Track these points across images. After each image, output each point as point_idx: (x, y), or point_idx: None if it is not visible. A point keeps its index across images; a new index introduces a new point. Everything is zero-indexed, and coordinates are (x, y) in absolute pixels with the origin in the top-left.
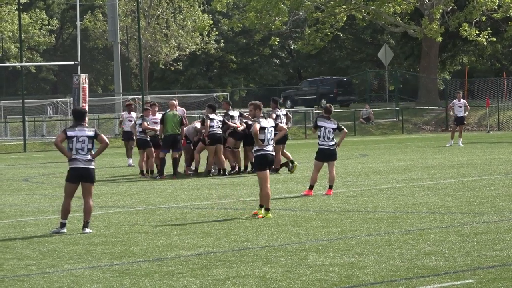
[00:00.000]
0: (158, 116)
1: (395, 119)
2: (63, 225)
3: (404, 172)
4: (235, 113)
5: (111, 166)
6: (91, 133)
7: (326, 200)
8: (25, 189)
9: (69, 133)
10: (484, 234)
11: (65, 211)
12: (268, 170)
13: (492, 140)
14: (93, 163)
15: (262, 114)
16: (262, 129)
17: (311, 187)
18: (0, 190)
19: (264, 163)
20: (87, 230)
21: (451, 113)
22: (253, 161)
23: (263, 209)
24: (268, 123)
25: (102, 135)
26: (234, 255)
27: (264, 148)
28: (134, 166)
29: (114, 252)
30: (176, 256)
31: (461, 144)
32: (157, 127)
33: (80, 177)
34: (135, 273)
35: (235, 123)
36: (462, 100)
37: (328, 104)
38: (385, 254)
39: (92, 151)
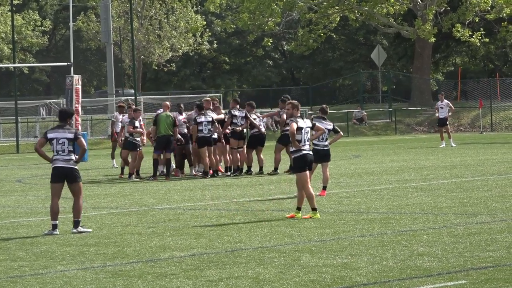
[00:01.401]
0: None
1: (388, 120)
2: (54, 227)
3: (397, 173)
4: (239, 113)
5: (104, 167)
6: (71, 135)
7: (319, 201)
8: (18, 190)
9: (49, 135)
10: (477, 235)
11: (53, 212)
12: (308, 171)
13: (485, 141)
14: (73, 162)
15: (299, 114)
16: (299, 129)
17: None
18: None
19: (303, 164)
20: (80, 229)
21: (436, 114)
22: (292, 163)
23: (311, 210)
24: (305, 123)
25: (82, 139)
26: (227, 256)
27: (302, 149)
28: (117, 167)
29: (107, 253)
30: (169, 257)
31: (453, 145)
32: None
33: (64, 177)
34: (128, 274)
35: (236, 123)
36: (444, 101)
37: (324, 105)
38: (378, 255)
39: (73, 154)
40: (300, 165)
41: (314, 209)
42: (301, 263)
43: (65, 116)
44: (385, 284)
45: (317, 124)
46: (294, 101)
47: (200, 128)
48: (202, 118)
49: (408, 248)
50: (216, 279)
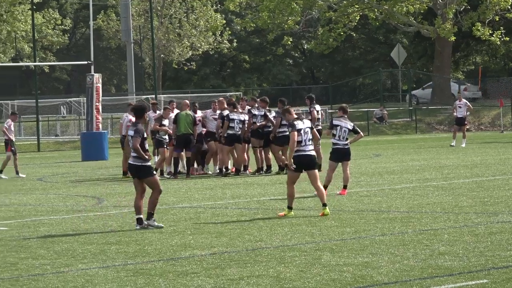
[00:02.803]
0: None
1: (408, 119)
2: (137, 220)
3: (417, 172)
4: (258, 111)
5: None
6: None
7: (340, 199)
8: (39, 188)
9: (130, 133)
10: (498, 234)
11: (136, 207)
12: (315, 170)
13: (505, 140)
14: (145, 161)
15: (295, 116)
16: (299, 131)
17: (325, 187)
18: (14, 189)
19: (296, 165)
20: (150, 222)
21: (454, 113)
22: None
23: (287, 207)
24: (304, 124)
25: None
26: (248, 255)
27: (299, 149)
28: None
29: (128, 251)
30: (190, 255)
31: (462, 145)
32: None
33: (136, 173)
34: (149, 273)
35: (256, 122)
36: (463, 101)
37: (344, 104)
38: (399, 254)
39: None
40: (296, 165)
41: (290, 208)
42: (322, 262)
43: (142, 113)
44: (406, 283)
45: (322, 130)
46: (286, 107)
47: (231, 125)
48: (234, 116)
49: (429, 247)
50: (237, 278)
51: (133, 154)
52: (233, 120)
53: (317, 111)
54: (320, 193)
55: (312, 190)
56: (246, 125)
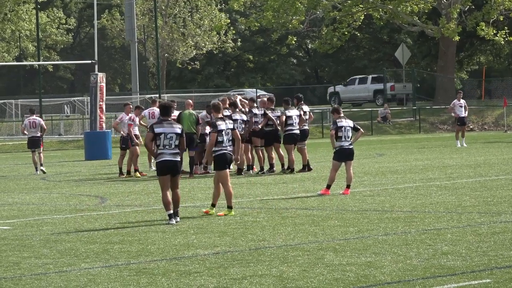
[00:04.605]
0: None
1: (412, 119)
2: (170, 216)
3: (421, 172)
4: (258, 111)
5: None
6: (178, 130)
7: (343, 199)
8: (42, 187)
9: (157, 130)
10: (502, 234)
11: (165, 204)
12: (227, 169)
13: (509, 139)
14: (178, 156)
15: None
16: (219, 131)
17: (328, 187)
18: (17, 188)
19: (223, 163)
20: (177, 219)
21: (452, 113)
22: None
23: (227, 207)
24: (226, 125)
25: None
26: (251, 254)
27: (222, 147)
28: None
29: (131, 251)
30: (193, 255)
31: (465, 145)
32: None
33: (169, 170)
34: (152, 272)
35: (257, 122)
36: (462, 100)
37: (336, 105)
38: (402, 253)
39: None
40: (220, 163)
41: (229, 207)
42: (325, 261)
43: (169, 111)
44: (409, 282)
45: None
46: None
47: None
48: (237, 116)
49: (432, 247)
50: (240, 277)
51: (172, 151)
52: (236, 120)
53: (305, 112)
54: (227, 193)
55: (317, 190)
56: (248, 125)
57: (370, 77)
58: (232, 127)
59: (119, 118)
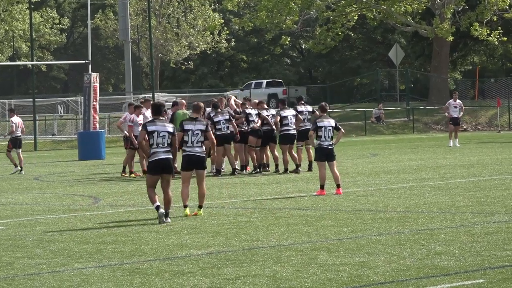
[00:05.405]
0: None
1: (405, 119)
2: (157, 208)
3: (414, 172)
4: (252, 111)
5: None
6: (171, 129)
7: (336, 199)
8: (36, 187)
9: (150, 128)
10: (495, 234)
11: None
12: (203, 170)
13: (502, 140)
14: (170, 154)
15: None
16: (185, 131)
17: (322, 187)
18: (11, 188)
19: (187, 165)
20: (168, 220)
21: (446, 113)
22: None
23: (183, 206)
24: (195, 127)
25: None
26: (245, 254)
27: (189, 149)
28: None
29: (125, 251)
30: (187, 255)
31: (457, 145)
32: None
33: (162, 168)
34: (146, 272)
35: (253, 121)
36: (457, 101)
37: (323, 103)
38: (395, 253)
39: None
40: (183, 163)
41: (185, 206)
42: (318, 261)
43: (161, 110)
44: (402, 283)
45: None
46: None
47: (218, 126)
48: (219, 117)
49: (425, 247)
50: (233, 277)
51: (165, 149)
52: (218, 122)
53: (285, 116)
54: (200, 193)
55: (310, 190)
56: (234, 121)
57: (265, 81)
58: (204, 128)
59: (123, 117)
